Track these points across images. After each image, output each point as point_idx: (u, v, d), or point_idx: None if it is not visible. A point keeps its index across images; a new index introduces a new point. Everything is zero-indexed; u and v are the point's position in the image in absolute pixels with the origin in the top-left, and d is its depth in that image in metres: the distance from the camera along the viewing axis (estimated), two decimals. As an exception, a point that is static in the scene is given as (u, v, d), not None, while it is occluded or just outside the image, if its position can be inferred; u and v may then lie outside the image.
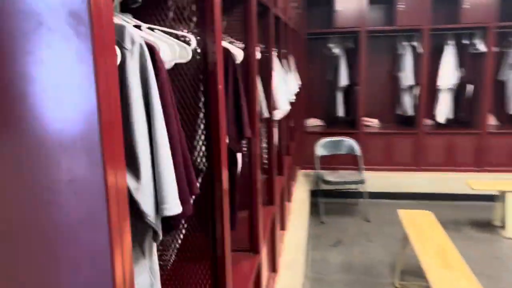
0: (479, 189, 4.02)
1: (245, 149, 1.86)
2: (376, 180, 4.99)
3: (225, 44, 1.65)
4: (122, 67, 0.72)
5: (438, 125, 5.07)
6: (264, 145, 2.48)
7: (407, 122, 5.17)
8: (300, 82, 4.65)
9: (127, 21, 0.99)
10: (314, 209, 4.64)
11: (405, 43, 4.99)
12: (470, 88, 4.85)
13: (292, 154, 3.96)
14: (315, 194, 4.75)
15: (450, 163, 4.97)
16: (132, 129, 0.72)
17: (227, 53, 1.58)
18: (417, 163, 5.01)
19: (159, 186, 0.75)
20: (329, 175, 4.56)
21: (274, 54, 2.77)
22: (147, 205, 0.73)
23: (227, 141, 1.42)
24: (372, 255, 3.71)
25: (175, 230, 0.89)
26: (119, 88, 0.73)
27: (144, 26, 1.06)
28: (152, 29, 1.06)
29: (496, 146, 4.86)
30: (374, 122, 5.33)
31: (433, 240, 2.82)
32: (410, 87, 5.02)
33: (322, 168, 4.84)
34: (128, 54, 0.72)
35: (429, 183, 4.94)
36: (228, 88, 1.57)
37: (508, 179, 4.65)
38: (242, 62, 1.71)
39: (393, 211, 4.69)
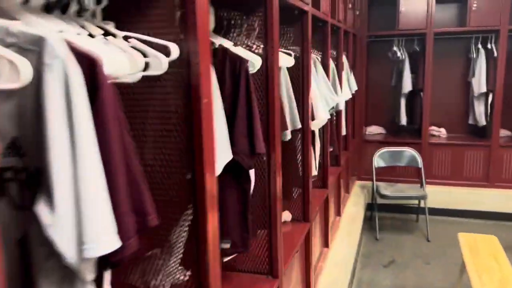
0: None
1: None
2: (441, 195, 4.58)
3: (238, 50, 1.53)
4: (38, 84, 0.63)
5: (517, 137, 4.53)
6: (299, 157, 2.32)
7: (481, 133, 4.67)
8: (356, 88, 4.40)
9: (104, 30, 0.91)
10: (370, 224, 4.35)
11: (478, 46, 4.51)
12: (556, 96, 4.26)
13: (343, 165, 3.72)
14: (371, 207, 4.46)
15: (530, 180, 4.41)
16: (47, 152, 0.62)
17: (238, 61, 1.46)
18: (489, 178, 4.51)
19: (80, 221, 0.64)
20: (387, 188, 4.24)
21: (315, 59, 2.60)
22: (64, 244, 0.64)
23: (226, 158, 1.30)
24: (428, 280, 3.37)
25: (119, 266, 0.79)
26: (37, 106, 0.64)
27: (119, 34, 0.97)
28: (128, 38, 0.97)
29: None
30: (441, 132, 4.89)
31: (495, 271, 2.46)
32: (484, 94, 4.53)
33: (380, 180, 4.53)
34: (46, 70, 0.63)
35: (503, 202, 4.42)
36: (239, 100, 1.44)
37: None
38: (262, 70, 1.58)
39: (457, 231, 4.26)
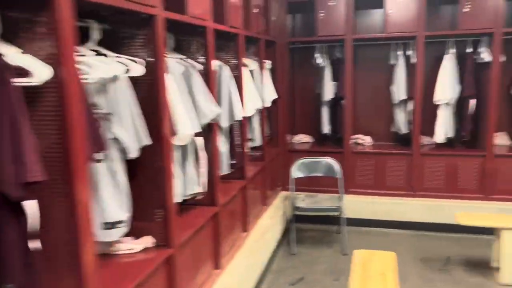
0: (468, 224, 3.40)
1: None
2: (363, 205, 4.47)
3: (23, 58, 1.30)
4: None
5: (439, 145, 4.45)
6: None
7: (405, 141, 4.58)
8: (275, 96, 4.24)
9: None
10: (290, 238, 4.16)
11: (398, 52, 4.44)
12: (473, 103, 4.21)
13: (250, 177, 3.52)
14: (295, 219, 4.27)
15: (451, 188, 4.34)
16: None
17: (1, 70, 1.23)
18: (412, 187, 4.42)
19: None
20: (304, 200, 4.09)
21: (190, 68, 2.38)
22: None
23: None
24: (332, 298, 3.21)
25: None
26: None
27: None
28: None
29: (505, 170, 4.19)
30: (365, 140, 4.79)
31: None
32: (404, 102, 4.46)
33: (303, 190, 4.39)
34: None
35: (425, 211, 4.34)
36: (2, 117, 1.21)
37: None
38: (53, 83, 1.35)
39: (378, 242, 4.16)
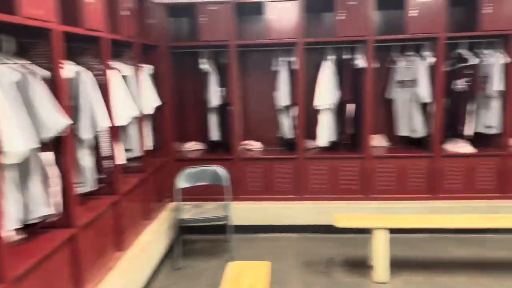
0: (344, 226, 3.50)
1: None
2: (254, 211, 4.44)
3: None
4: None
5: (323, 148, 4.57)
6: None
7: (292, 145, 4.64)
8: (158, 103, 4.05)
9: None
10: (176, 251, 3.97)
11: (281, 59, 4.49)
12: (351, 107, 4.39)
13: (124, 192, 3.28)
14: (181, 231, 4.09)
15: (334, 190, 4.47)
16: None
17: None
18: (299, 191, 4.48)
19: None
20: (190, 211, 3.93)
21: (27, 74, 2.10)
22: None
23: None
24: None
25: None
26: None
27: None
28: None
29: (382, 171, 4.41)
30: (255, 146, 4.77)
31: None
32: (288, 107, 4.51)
33: (190, 200, 4.22)
34: None
35: (311, 214, 4.41)
36: None
37: (393, 209, 4.23)
38: None
39: (267, 248, 4.15)
